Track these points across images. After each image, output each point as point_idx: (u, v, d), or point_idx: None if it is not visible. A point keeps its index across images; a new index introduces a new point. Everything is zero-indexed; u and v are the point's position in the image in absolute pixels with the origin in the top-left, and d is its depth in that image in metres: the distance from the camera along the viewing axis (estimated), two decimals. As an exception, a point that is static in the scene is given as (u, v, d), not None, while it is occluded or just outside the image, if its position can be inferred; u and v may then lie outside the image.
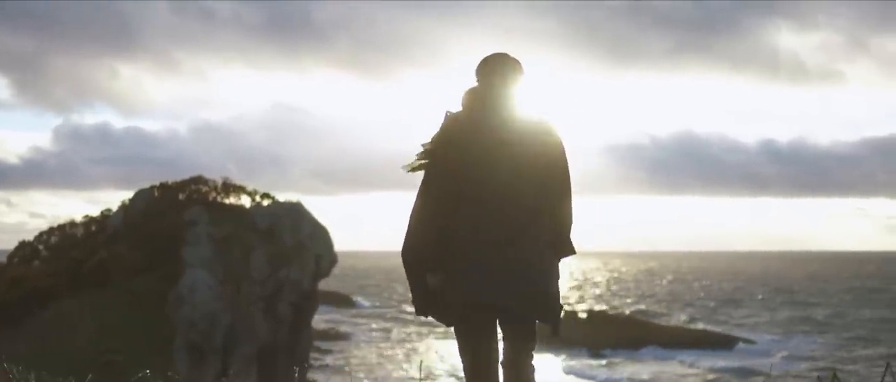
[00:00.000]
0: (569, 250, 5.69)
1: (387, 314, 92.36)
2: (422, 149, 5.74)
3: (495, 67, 5.73)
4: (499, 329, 5.69)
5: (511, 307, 5.47)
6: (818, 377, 6.46)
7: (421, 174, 5.79)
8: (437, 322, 6.01)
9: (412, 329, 74.64)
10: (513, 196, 5.46)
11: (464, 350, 5.73)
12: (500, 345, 5.69)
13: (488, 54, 5.81)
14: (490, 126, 5.55)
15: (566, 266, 6.49)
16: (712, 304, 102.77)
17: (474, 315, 5.56)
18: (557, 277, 5.64)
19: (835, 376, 5.86)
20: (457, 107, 5.77)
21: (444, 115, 5.70)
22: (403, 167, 5.81)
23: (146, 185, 69.81)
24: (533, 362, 5.65)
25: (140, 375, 6.65)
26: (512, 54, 5.85)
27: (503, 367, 5.61)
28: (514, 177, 5.47)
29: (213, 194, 68.08)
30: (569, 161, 5.64)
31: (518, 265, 5.43)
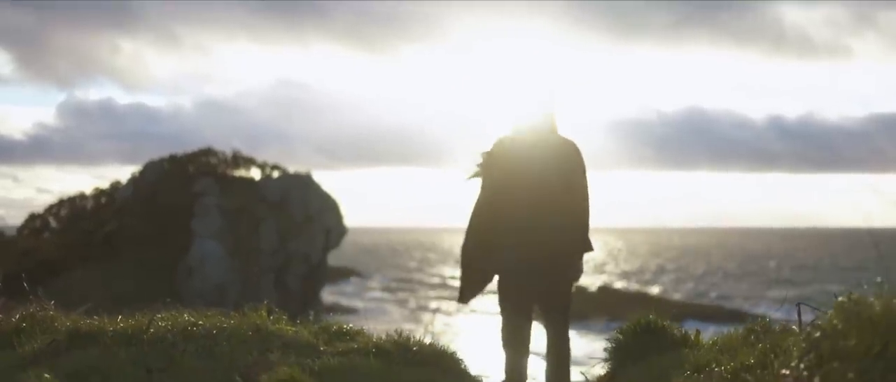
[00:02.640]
0: (587, 246, 7.09)
1: (393, 288, 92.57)
2: (476, 165, 7.18)
3: (536, 101, 7.21)
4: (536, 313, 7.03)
5: (542, 282, 6.84)
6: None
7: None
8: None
9: (419, 304, 74.97)
10: (543, 200, 6.89)
11: (507, 316, 6.97)
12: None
13: (532, 90, 7.32)
14: (527, 146, 7.03)
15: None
16: (720, 280, 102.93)
17: (515, 291, 6.91)
18: (579, 262, 7.05)
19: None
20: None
21: (496, 139, 7.17)
22: (464, 177, 7.27)
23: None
24: (569, 337, 6.94)
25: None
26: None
27: (547, 343, 6.85)
28: (545, 186, 6.92)
29: (223, 166, 68.15)
30: (587, 172, 7.10)
31: (547, 250, 6.84)
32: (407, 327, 7.57)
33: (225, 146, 78.19)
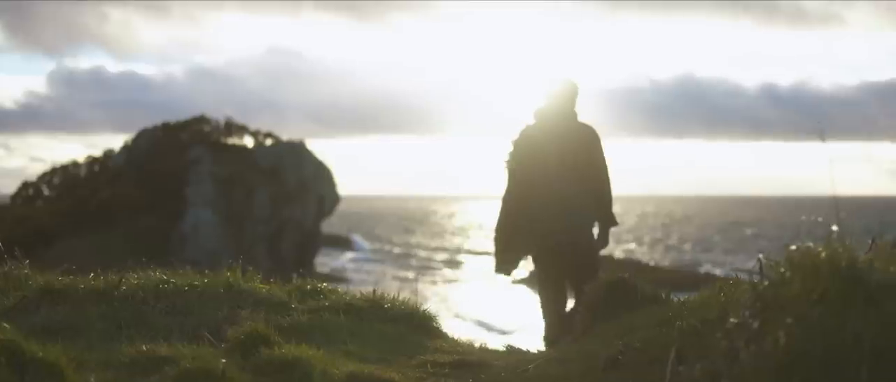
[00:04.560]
0: (612, 221, 8.03)
1: (387, 257, 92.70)
2: (506, 154, 8.00)
3: (558, 91, 7.99)
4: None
5: (567, 249, 7.88)
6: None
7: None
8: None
9: (412, 273, 75.17)
10: (567, 182, 7.74)
11: (543, 287, 8.12)
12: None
13: (554, 81, 8.06)
14: (553, 134, 7.81)
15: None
16: (713, 248, 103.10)
17: (548, 261, 7.97)
18: (603, 232, 8.08)
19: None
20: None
21: (522, 127, 8.00)
22: (502, 165, 8.07)
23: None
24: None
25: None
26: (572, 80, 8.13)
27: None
28: (569, 169, 7.76)
29: (216, 134, 68.08)
30: (606, 154, 7.97)
31: (570, 223, 7.82)
32: (401, 295, 7.69)
33: (217, 114, 78.11)
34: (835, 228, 3.97)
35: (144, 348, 5.35)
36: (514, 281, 53.25)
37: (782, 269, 3.96)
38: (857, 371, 3.29)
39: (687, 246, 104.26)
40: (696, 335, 5.04)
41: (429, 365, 5.81)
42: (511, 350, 7.11)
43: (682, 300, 7.20)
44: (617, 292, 7.65)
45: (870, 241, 4.85)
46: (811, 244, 3.92)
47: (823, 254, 3.74)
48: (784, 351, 3.44)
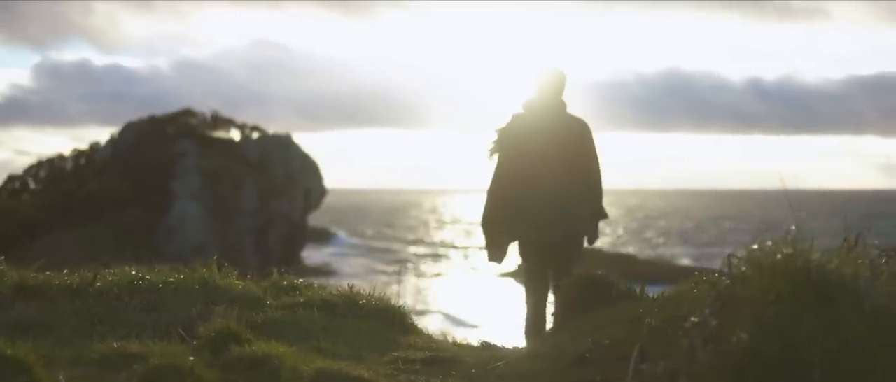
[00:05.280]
0: (602, 214, 7.99)
1: (371, 250, 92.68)
2: (492, 142, 7.83)
3: (546, 81, 7.87)
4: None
5: (557, 242, 7.75)
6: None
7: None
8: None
9: (395, 266, 75.14)
10: (556, 172, 7.63)
11: (527, 279, 7.96)
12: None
13: (542, 71, 7.92)
14: (541, 125, 7.68)
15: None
16: (700, 241, 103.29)
17: (533, 253, 7.85)
18: (596, 227, 8.04)
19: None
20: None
21: (510, 116, 7.84)
22: (485, 154, 7.90)
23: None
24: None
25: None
26: (561, 69, 7.98)
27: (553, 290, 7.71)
28: (558, 161, 7.63)
29: (202, 127, 67.96)
30: (597, 147, 7.88)
31: (560, 216, 7.68)
32: (388, 287, 7.75)
33: (203, 107, 77.94)
34: (793, 228, 4.01)
35: (115, 345, 5.37)
36: (502, 274, 53.38)
37: (743, 268, 4.01)
38: (810, 372, 3.33)
39: (664, 240, 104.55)
40: (662, 332, 5.08)
41: (400, 362, 5.83)
42: (485, 346, 7.15)
43: (655, 295, 7.25)
44: (592, 288, 7.70)
45: (843, 239, 4.88)
46: (770, 243, 3.96)
47: (779, 255, 3.79)
48: (741, 351, 3.49)
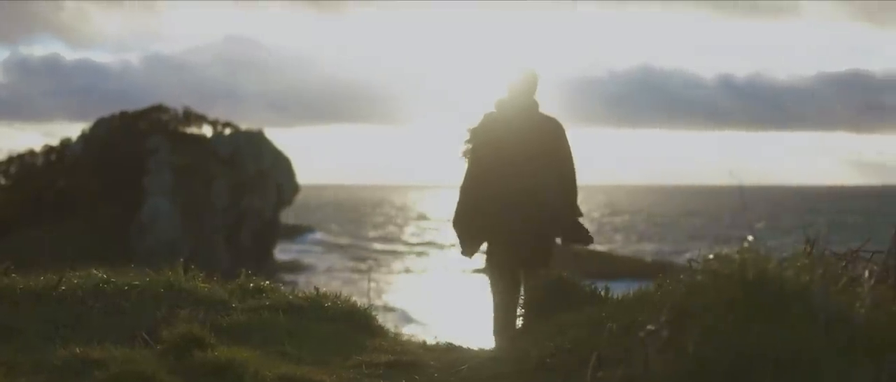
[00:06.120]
0: (576, 212, 7.90)
1: (346, 246, 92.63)
2: (464, 141, 7.89)
3: (518, 81, 7.84)
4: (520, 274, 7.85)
5: (528, 243, 7.69)
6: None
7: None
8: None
9: (370, 263, 75.20)
10: (527, 172, 7.58)
11: (495, 278, 7.93)
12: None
13: (514, 71, 7.89)
14: (514, 125, 7.65)
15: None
16: (674, 237, 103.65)
17: (503, 252, 7.79)
18: (573, 227, 7.93)
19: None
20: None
21: (482, 116, 7.83)
22: (458, 153, 7.97)
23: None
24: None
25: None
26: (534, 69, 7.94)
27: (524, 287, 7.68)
28: (530, 160, 7.58)
29: (174, 123, 67.68)
30: (571, 147, 7.84)
31: (532, 216, 7.61)
32: (361, 283, 7.77)
33: (175, 103, 77.68)
34: (750, 238, 4.05)
35: (78, 350, 5.35)
36: (475, 270, 53.46)
37: (699, 278, 4.05)
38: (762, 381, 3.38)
39: (636, 236, 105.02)
40: (622, 337, 5.13)
41: (364, 366, 5.86)
42: (450, 348, 7.18)
43: (619, 296, 7.29)
44: (558, 289, 7.74)
45: (803, 245, 4.90)
46: (725, 251, 4.01)
47: (736, 264, 3.83)
48: (693, 360, 3.53)
